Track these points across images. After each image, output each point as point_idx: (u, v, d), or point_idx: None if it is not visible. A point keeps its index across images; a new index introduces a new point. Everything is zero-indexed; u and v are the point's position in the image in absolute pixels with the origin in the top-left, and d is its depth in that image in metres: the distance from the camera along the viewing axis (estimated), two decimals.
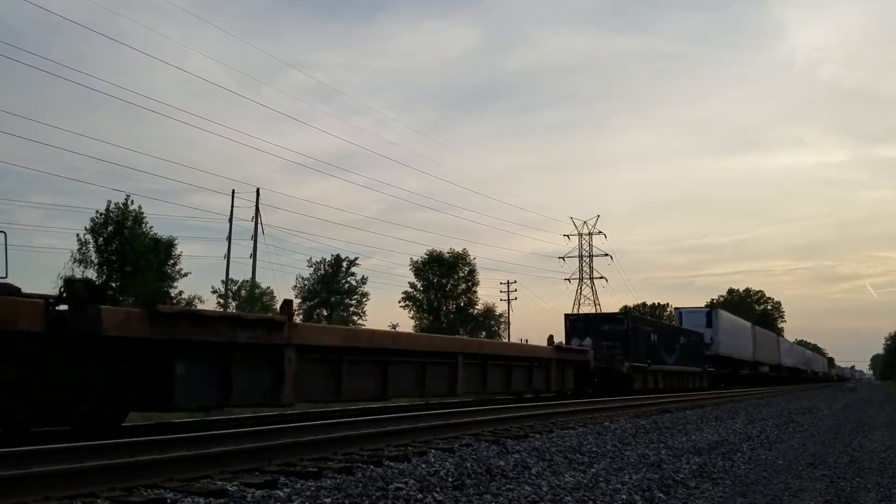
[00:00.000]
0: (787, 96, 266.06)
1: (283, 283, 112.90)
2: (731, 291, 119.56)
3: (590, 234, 71.81)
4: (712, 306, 51.92)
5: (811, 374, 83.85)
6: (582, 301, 72.18)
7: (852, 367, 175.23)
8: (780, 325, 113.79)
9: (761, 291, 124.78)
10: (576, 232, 73.99)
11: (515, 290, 69.30)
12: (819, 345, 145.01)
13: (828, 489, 6.47)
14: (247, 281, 48.92)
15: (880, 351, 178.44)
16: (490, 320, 68.62)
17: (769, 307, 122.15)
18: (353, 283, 63.37)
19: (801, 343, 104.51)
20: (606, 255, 73.56)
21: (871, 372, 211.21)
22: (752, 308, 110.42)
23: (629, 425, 11.60)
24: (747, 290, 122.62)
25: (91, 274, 35.14)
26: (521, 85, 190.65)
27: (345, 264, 62.91)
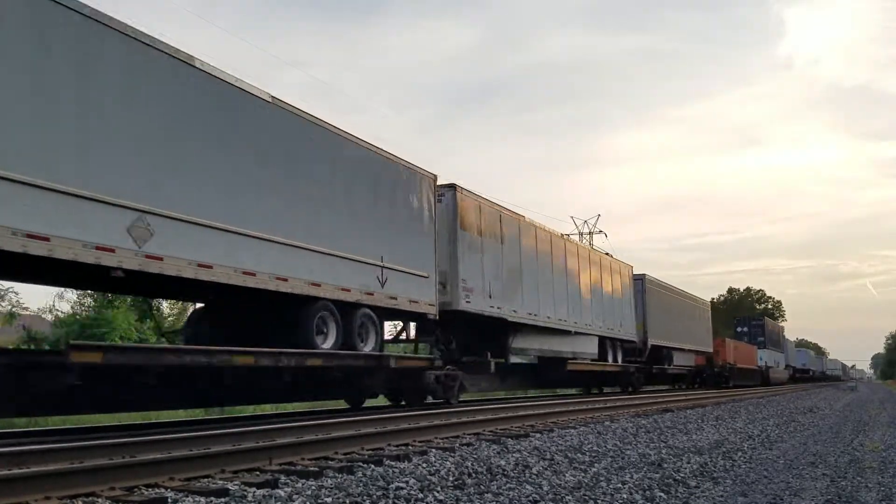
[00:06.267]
0: (787, 95, 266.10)
1: None
2: (731, 290, 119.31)
3: (590, 233, 71.66)
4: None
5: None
6: None
7: (853, 365, 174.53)
8: (780, 325, 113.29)
9: (762, 290, 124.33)
10: (576, 231, 73.88)
11: None
12: (820, 344, 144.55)
13: (828, 488, 6.46)
14: None
15: (881, 350, 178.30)
16: None
17: (769, 306, 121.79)
18: None
19: (802, 343, 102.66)
20: (607, 254, 73.45)
21: (871, 371, 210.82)
22: (753, 307, 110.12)
23: (630, 424, 11.59)
24: (748, 289, 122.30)
25: None
26: (521, 84, 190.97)
27: None
